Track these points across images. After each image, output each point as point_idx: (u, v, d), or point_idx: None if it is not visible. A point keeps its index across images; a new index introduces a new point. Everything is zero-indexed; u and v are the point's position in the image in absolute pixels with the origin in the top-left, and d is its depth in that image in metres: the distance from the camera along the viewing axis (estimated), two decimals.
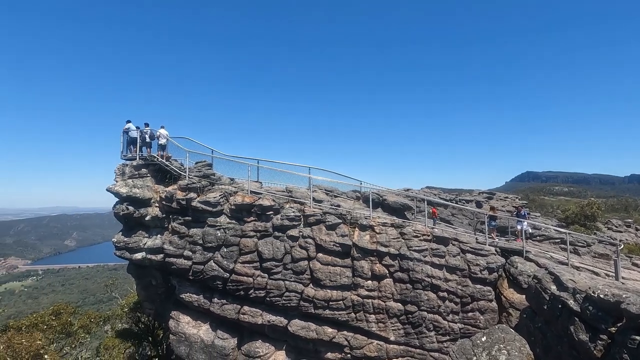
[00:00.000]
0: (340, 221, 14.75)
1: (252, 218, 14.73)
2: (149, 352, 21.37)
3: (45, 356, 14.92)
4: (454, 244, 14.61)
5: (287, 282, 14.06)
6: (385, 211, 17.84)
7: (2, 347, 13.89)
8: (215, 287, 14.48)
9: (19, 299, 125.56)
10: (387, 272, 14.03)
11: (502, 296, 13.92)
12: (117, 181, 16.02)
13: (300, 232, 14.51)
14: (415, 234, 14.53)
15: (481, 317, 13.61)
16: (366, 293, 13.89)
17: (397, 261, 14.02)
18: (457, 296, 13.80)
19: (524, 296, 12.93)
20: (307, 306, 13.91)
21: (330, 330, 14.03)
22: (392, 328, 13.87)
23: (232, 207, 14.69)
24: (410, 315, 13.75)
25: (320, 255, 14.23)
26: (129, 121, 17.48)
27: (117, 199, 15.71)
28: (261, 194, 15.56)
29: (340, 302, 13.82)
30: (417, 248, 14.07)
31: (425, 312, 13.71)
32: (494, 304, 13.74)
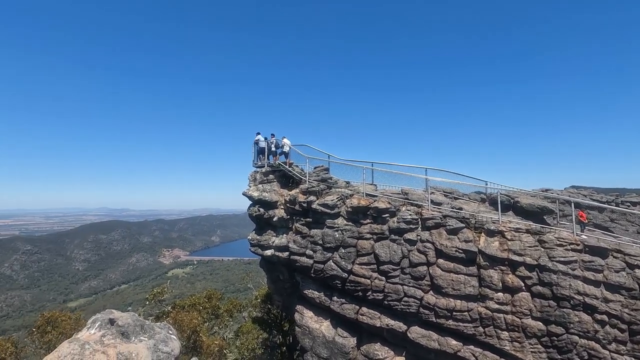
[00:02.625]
0: (463, 225, 13.61)
1: (368, 220, 14.88)
2: (278, 341, 23.64)
3: (200, 332, 18.07)
4: (615, 257, 11.85)
5: (405, 287, 13.70)
6: (517, 215, 15.66)
7: (171, 321, 17.40)
8: (334, 286, 15.12)
9: (181, 283, 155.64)
10: (523, 284, 12.27)
11: None
12: (250, 186, 18.38)
13: (418, 235, 13.97)
14: (559, 242, 12.33)
15: None
16: (496, 306, 12.43)
17: (535, 273, 12.15)
18: (622, 321, 11.12)
19: None
20: (428, 314, 13.25)
21: (454, 342, 13.03)
22: (531, 350, 12.03)
23: (349, 209, 15.13)
24: (555, 338, 11.69)
25: (440, 261, 13.41)
26: (258, 133, 19.88)
27: (251, 202, 18.02)
28: (376, 196, 15.60)
29: (466, 313, 12.71)
30: (562, 259, 11.91)
31: (577, 337, 11.45)
32: None
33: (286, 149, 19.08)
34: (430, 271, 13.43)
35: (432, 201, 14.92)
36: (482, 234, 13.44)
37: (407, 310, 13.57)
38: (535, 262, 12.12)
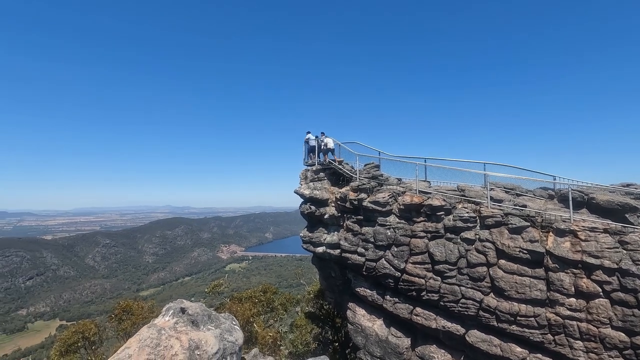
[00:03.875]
0: (528, 224, 12.62)
1: (421, 218, 14.42)
2: (330, 337, 23.88)
3: (254, 323, 18.86)
4: None
5: (462, 288, 13.07)
6: (592, 213, 14.14)
7: (226, 312, 18.42)
8: (387, 285, 14.90)
9: (237, 277, 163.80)
10: (600, 290, 11.07)
11: None
12: (301, 184, 18.75)
13: (476, 234, 13.24)
14: None
15: None
16: (568, 313, 11.36)
17: (615, 277, 10.90)
18: None
19: None
20: (488, 317, 12.51)
21: (519, 349, 12.16)
22: None
23: (401, 207, 14.79)
24: None
25: (502, 261, 12.58)
26: (308, 132, 20.17)
27: (302, 200, 18.38)
28: (430, 193, 15.06)
29: (532, 318, 11.79)
30: None
31: None
32: None
33: (331, 145, 19.12)
34: (491, 272, 12.66)
35: (491, 198, 14.03)
36: (551, 234, 12.36)
37: (465, 312, 12.94)
38: (616, 266, 10.87)
